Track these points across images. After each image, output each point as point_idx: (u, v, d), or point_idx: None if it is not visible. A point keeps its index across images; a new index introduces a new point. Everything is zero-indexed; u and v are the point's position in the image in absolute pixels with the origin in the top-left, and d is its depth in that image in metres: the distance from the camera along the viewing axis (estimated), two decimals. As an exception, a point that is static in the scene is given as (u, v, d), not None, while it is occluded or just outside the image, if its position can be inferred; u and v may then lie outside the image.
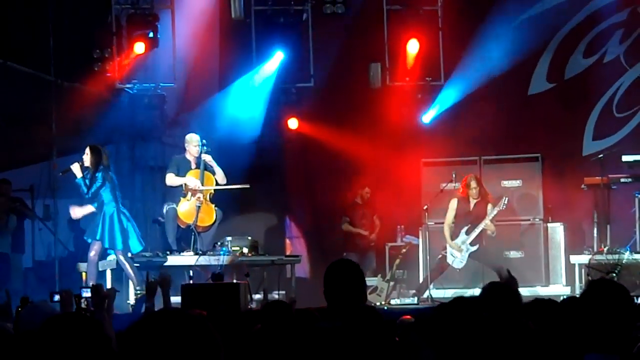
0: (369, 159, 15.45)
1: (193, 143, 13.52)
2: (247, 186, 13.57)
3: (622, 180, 13.96)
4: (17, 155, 15.67)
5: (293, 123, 15.93)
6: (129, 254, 12.57)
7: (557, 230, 14.35)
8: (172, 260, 13.13)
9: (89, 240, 12.57)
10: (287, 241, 15.79)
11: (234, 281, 12.42)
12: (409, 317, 6.73)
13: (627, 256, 13.21)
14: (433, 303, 12.73)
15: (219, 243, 13.37)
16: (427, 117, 15.81)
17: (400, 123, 15.87)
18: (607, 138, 16.00)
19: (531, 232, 14.42)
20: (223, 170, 13.52)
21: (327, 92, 15.91)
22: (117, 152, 15.79)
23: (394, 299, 13.93)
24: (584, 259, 13.56)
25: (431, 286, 13.75)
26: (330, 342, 4.61)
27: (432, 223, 14.14)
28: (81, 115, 14.46)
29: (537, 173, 14.63)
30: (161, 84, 15.43)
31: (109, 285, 12.76)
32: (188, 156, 13.52)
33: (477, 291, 11.90)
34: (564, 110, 15.98)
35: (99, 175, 12.39)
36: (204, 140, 13.52)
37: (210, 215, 13.35)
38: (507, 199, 13.67)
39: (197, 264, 13.03)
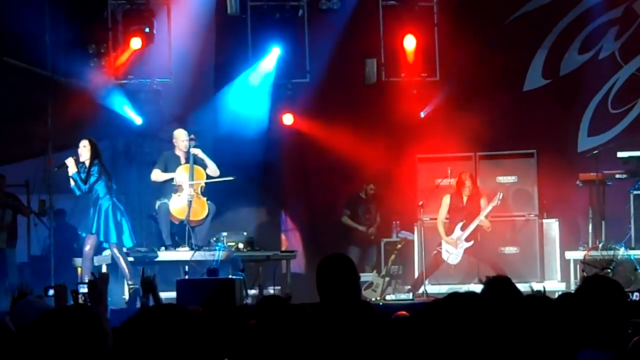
0: (365, 154, 15.44)
1: (181, 138, 13.53)
2: (232, 178, 13.52)
3: (617, 176, 13.98)
4: (12, 150, 15.66)
5: (288, 119, 15.92)
6: (123, 248, 12.57)
7: (552, 227, 14.37)
8: (168, 255, 13.14)
9: (83, 235, 12.57)
10: (283, 236, 15.79)
11: (229, 276, 12.42)
12: (404, 312, 6.73)
13: (621, 252, 13.24)
14: (428, 299, 12.75)
15: (214, 238, 13.38)
16: (423, 113, 15.80)
17: (395, 119, 15.88)
18: (602, 134, 16.01)
19: (526, 228, 14.44)
20: (218, 165, 13.53)
21: (322, 88, 15.90)
22: (113, 147, 15.78)
23: (390, 294, 13.94)
24: (579, 255, 13.60)
25: (426, 282, 13.78)
26: (322, 338, 4.61)
27: (428, 219, 14.15)
28: (77, 111, 14.45)
29: (532, 169, 14.65)
30: (157, 80, 15.44)
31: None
32: (177, 152, 13.53)
33: (472, 287, 11.97)
34: (559, 107, 16.00)
35: (94, 169, 12.38)
36: (192, 135, 13.51)
37: (202, 209, 13.34)
38: (501, 194, 13.74)
39: (193, 259, 13.04)
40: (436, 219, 13.94)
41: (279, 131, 16.03)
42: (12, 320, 6.01)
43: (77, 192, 12.55)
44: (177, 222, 13.36)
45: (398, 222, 15.00)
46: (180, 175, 13.35)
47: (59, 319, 3.60)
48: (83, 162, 12.43)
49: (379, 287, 14.07)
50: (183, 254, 13.10)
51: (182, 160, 13.45)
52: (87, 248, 12.47)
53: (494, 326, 3.39)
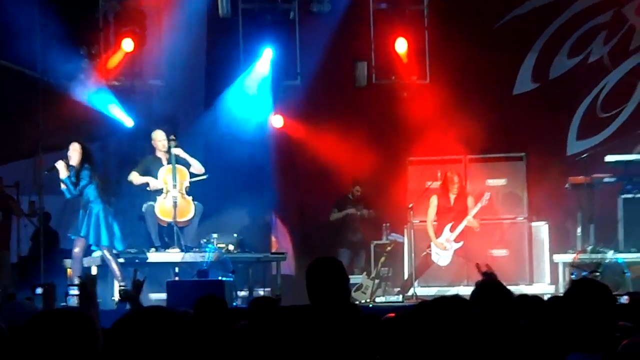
0: (355, 157, 15.45)
1: (158, 138, 13.49)
2: (205, 177, 13.48)
3: (606, 180, 14.00)
4: (1, 151, 15.63)
5: (278, 121, 15.93)
6: (114, 251, 12.55)
7: (541, 229, 14.40)
8: (158, 257, 13.12)
9: (72, 237, 12.54)
10: (273, 238, 15.78)
11: (219, 278, 12.41)
12: (393, 315, 6.73)
13: (610, 256, 13.25)
14: (417, 301, 12.76)
15: (204, 240, 13.36)
16: (413, 116, 15.79)
17: (386, 121, 15.90)
18: (591, 138, 16.06)
19: (515, 231, 14.47)
20: (210, 166, 13.52)
21: (313, 90, 15.91)
22: (104, 148, 15.76)
23: (379, 296, 13.95)
24: (568, 258, 13.61)
25: (416, 284, 13.79)
26: (311, 340, 4.60)
27: (417, 221, 14.15)
28: (67, 112, 14.43)
29: (522, 172, 14.68)
30: (149, 81, 15.42)
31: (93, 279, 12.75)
32: (158, 154, 13.50)
33: (461, 289, 11.98)
34: (549, 110, 16.02)
35: (85, 173, 12.35)
36: (172, 135, 13.46)
37: (187, 209, 13.32)
38: (488, 194, 13.81)
39: (183, 260, 13.02)
40: (426, 221, 13.97)
41: (270, 133, 16.02)
42: (2, 321, 6.00)
43: (68, 195, 12.52)
44: (164, 225, 13.34)
45: (388, 224, 15.01)
46: (164, 177, 13.31)
47: (51, 321, 3.58)
48: (73, 166, 12.39)
49: (368, 289, 14.07)
50: (173, 255, 13.08)
51: (164, 162, 13.40)
52: (76, 250, 12.44)
53: (485, 328, 3.39)
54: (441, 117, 15.44)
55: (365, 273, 14.41)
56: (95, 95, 14.96)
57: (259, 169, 15.62)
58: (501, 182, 14.66)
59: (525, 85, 16.36)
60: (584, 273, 12.61)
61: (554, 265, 13.94)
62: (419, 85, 15.75)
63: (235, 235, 13.92)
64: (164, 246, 13.27)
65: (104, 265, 12.71)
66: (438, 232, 13.87)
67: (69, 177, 12.33)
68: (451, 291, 12.17)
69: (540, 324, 4.73)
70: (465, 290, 10.11)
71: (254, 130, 15.79)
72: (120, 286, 12.35)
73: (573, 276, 12.79)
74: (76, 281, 11.98)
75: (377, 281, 14.24)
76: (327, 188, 15.70)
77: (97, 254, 12.83)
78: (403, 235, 14.49)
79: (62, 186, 12.44)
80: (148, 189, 13.39)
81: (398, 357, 4.44)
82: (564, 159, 15.63)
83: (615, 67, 16.23)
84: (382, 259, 14.42)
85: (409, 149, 15.27)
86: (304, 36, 15.70)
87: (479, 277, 7.76)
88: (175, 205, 13.19)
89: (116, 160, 15.67)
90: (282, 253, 14.43)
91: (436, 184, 14.14)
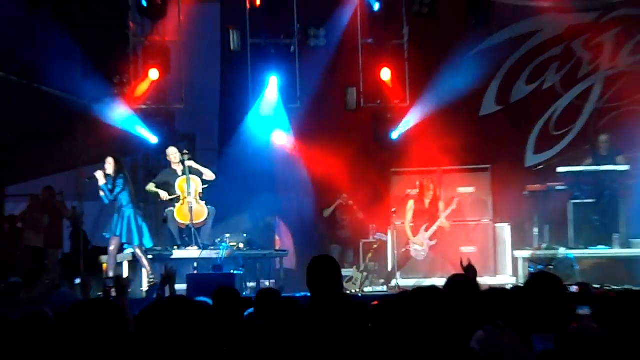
0: (347, 169, 15.44)
1: (170, 154, 13.48)
2: (214, 178, 13.44)
3: (558, 187, 13.98)
4: (49, 165, 15.65)
5: (280, 137, 15.93)
6: (143, 248, 12.54)
7: (504, 229, 14.36)
8: (180, 254, 13.12)
9: (107, 236, 12.52)
10: (277, 238, 15.75)
11: (231, 272, 12.40)
12: (377, 302, 6.71)
13: (561, 252, 13.25)
14: (399, 290, 12.74)
15: (218, 239, 13.37)
16: (395, 133, 15.81)
17: (372, 139, 15.89)
18: (546, 152, 16.06)
19: (482, 231, 14.43)
20: (225, 176, 13.53)
21: (311, 112, 15.90)
22: (133, 162, 15.75)
23: (367, 286, 13.92)
24: (527, 253, 13.59)
25: (398, 275, 13.78)
26: (308, 324, 4.60)
27: (399, 223, 14.15)
28: (103, 131, 14.44)
29: (487, 181, 14.65)
30: (171, 105, 15.43)
31: (125, 273, 12.76)
32: (173, 166, 13.48)
33: (435, 280, 11.97)
34: (510, 129, 16.03)
35: (119, 181, 12.36)
36: (185, 150, 13.45)
37: (202, 212, 13.31)
38: (457, 200, 13.86)
39: (200, 257, 13.01)
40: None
41: (275, 149, 16.02)
42: (48, 308, 5.99)
43: (105, 201, 12.53)
44: (184, 227, 13.33)
45: (374, 225, 14.97)
46: (180, 186, 13.29)
47: (89, 309, 3.58)
48: (110, 175, 12.41)
49: (358, 281, 14.04)
50: (192, 252, 13.07)
51: (179, 173, 13.39)
52: (111, 248, 12.44)
53: (456, 314, 3.38)
54: (419, 135, 15.44)
55: (355, 267, 14.38)
56: (126, 117, 14.96)
57: (264, 178, 15.61)
58: (470, 189, 14.64)
59: (490, 108, 16.36)
60: (540, 267, 12.60)
61: (514, 260, 13.89)
62: (400, 108, 15.76)
63: (244, 235, 13.90)
64: (184, 244, 13.26)
65: (134, 261, 12.70)
66: (415, 232, 13.88)
67: (106, 184, 12.34)
68: (427, 282, 12.14)
69: (505, 310, 4.72)
70: (440, 281, 10.10)
71: (261, 146, 15.79)
72: (149, 279, 12.35)
73: (531, 269, 12.78)
74: (111, 274, 12.02)
75: (365, 274, 14.20)
76: (322, 195, 15.68)
77: (128, 251, 12.83)
78: (387, 235, 14.47)
79: (101, 193, 12.45)
80: (159, 199, 13.38)
81: (383, 338, 4.43)
82: (523, 170, 15.63)
83: (566, 93, 16.25)
84: (369, 254, 14.39)
85: (392, 162, 15.25)
86: (303, 66, 15.70)
87: (451, 271, 7.75)
88: (191, 210, 13.18)
89: (144, 172, 15.67)
90: (285, 250, 14.41)
91: (415, 192, 14.12)
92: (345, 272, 13.46)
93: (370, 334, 4.53)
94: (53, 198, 14.96)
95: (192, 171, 13.31)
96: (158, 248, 13.17)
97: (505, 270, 14.05)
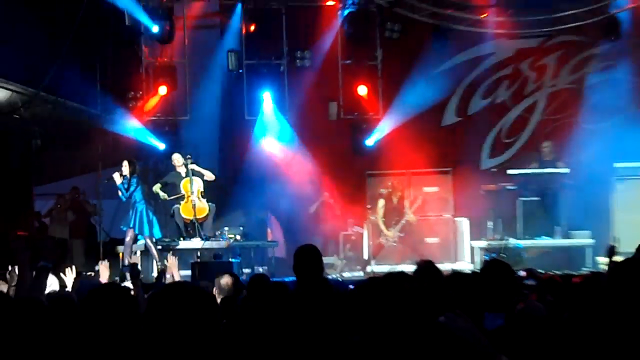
0: (329, 171, 15.45)
1: (175, 160, 13.42)
2: (213, 178, 13.39)
3: (509, 187, 14.03)
4: (73, 168, 15.61)
5: (272, 144, 15.92)
6: (154, 239, 12.50)
7: (463, 223, 14.41)
8: (185, 244, 13.08)
9: (124, 229, 12.49)
10: (268, 230, 15.73)
11: (229, 260, 12.37)
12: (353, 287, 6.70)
13: (511, 242, 13.30)
14: (374, 275, 12.74)
15: (218, 232, 13.34)
16: (370, 141, 15.83)
17: (351, 145, 15.90)
18: (498, 157, 16.12)
19: (444, 224, 14.47)
20: (221, 176, 13.51)
21: (298, 122, 15.90)
22: (144, 165, 15.71)
23: (346, 272, 13.93)
24: (482, 244, 13.64)
25: (373, 262, 13.79)
26: (295, 304, 4.60)
27: (373, 218, 14.16)
28: (118, 139, 14.42)
29: (449, 182, 14.70)
30: (178, 117, 15.42)
31: (138, 260, 12.70)
32: (178, 169, 13.42)
33: (405, 267, 11.99)
34: (468, 137, 16.06)
35: (133, 181, 12.33)
36: (188, 155, 13.40)
37: (204, 209, 13.25)
38: (421, 198, 13.90)
39: (203, 247, 12.99)
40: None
41: (267, 153, 16.00)
42: (75, 294, 5.98)
43: (123, 198, 12.50)
44: (188, 222, 13.29)
45: (352, 220, 15.00)
46: (184, 186, 13.23)
47: (104, 292, 3.57)
48: (126, 176, 12.37)
49: (338, 267, 14.06)
50: (195, 243, 13.04)
51: (183, 175, 13.33)
52: (127, 239, 12.40)
53: (423, 296, 3.39)
54: (391, 142, 15.47)
55: (335, 255, 14.40)
56: (138, 127, 14.93)
57: (257, 179, 15.59)
58: (434, 189, 14.67)
59: (450, 119, 16.40)
60: (494, 254, 12.65)
61: (472, 249, 13.95)
62: (374, 119, 15.79)
63: (241, 228, 13.88)
64: (189, 236, 13.22)
65: (146, 250, 12.66)
66: (387, 226, 13.89)
67: (122, 184, 12.31)
68: (398, 268, 12.16)
69: (463, 292, 4.73)
70: (409, 268, 10.12)
71: (255, 151, 15.80)
72: (158, 266, 12.31)
73: (486, 257, 12.83)
74: (127, 262, 11.97)
75: (344, 261, 14.23)
76: (308, 194, 15.65)
77: (141, 242, 12.78)
78: (363, 228, 14.49)
79: (119, 193, 12.43)
80: (159, 199, 13.32)
81: (360, 318, 4.44)
82: (479, 172, 15.65)
83: (514, 107, 16.32)
84: (348, 245, 14.42)
85: (368, 166, 15.27)
86: (291, 83, 15.71)
87: (417, 259, 7.75)
88: (194, 206, 13.14)
89: (153, 174, 15.61)
90: (275, 241, 14.40)
91: (387, 191, 14.14)
92: (327, 259, 13.45)
93: (348, 313, 4.53)
94: (78, 196, 14.94)
95: (194, 173, 13.28)
96: (166, 239, 13.13)
97: (463, 258, 14.10)
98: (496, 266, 4.59)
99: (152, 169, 15.79)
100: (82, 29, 12.77)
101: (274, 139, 15.91)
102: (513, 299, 4.59)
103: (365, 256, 14.18)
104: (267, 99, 15.61)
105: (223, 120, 15.90)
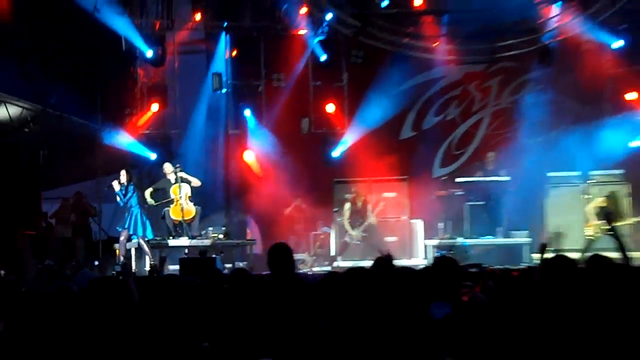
0: (301, 179, 15.44)
1: (166, 170, 13.36)
2: (200, 184, 13.34)
3: (457, 193, 14.13)
4: (76, 176, 15.48)
5: (250, 155, 15.95)
6: (146, 239, 12.44)
7: (418, 224, 14.42)
8: (174, 242, 13.03)
9: (119, 229, 12.43)
10: (248, 230, 15.71)
11: (213, 256, 12.33)
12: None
13: (459, 240, 13.39)
14: (340, 270, 12.73)
15: (203, 231, 13.31)
16: (337, 152, 15.88)
17: (320, 156, 15.92)
18: (449, 167, 16.21)
19: (401, 225, 14.49)
20: (204, 183, 13.48)
21: (274, 135, 15.90)
22: (139, 172, 15.61)
23: (315, 267, 13.93)
24: (434, 242, 13.71)
25: (339, 259, 13.80)
26: (270, 296, 4.61)
27: (340, 219, 14.16)
28: (115, 151, 14.33)
29: (406, 188, 14.70)
30: (168, 130, 15.37)
31: (133, 256, 12.63)
32: (168, 177, 13.36)
33: (367, 263, 12.01)
34: (422, 149, 16.12)
35: (130, 188, 12.29)
36: (177, 164, 13.35)
37: (191, 211, 13.20)
38: (383, 203, 13.94)
39: (190, 245, 12.94)
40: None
41: (246, 163, 15.98)
42: (74, 284, 5.94)
43: (121, 203, 12.46)
44: (177, 223, 13.24)
45: (322, 221, 15.01)
46: (174, 191, 13.17)
47: (101, 285, 3.57)
48: (123, 183, 12.31)
49: (308, 263, 14.06)
50: (183, 241, 12.99)
51: (173, 181, 13.27)
52: (122, 238, 12.35)
53: (379, 289, 3.42)
54: (354, 153, 15.51)
55: (306, 252, 14.40)
56: (133, 139, 14.86)
57: (238, 185, 15.57)
58: (392, 194, 14.68)
59: (407, 133, 16.48)
60: (444, 252, 12.72)
61: (425, 247, 14.00)
62: (341, 133, 15.84)
63: (223, 228, 13.85)
64: (178, 236, 13.17)
65: (139, 248, 12.59)
66: (352, 226, 13.90)
67: (120, 190, 12.26)
68: (362, 264, 12.19)
69: (416, 284, 4.78)
70: (370, 263, 10.16)
71: (235, 160, 15.78)
72: (150, 262, 12.24)
73: (437, 254, 12.90)
74: (121, 259, 11.90)
75: (314, 257, 14.23)
76: (283, 199, 15.63)
77: (135, 241, 12.70)
78: (331, 228, 14.51)
79: (117, 198, 12.38)
80: (146, 204, 13.24)
81: (324, 306, 4.47)
82: (431, 179, 15.73)
83: (463, 123, 16.44)
84: (317, 243, 14.43)
85: (335, 174, 15.28)
86: (269, 101, 15.73)
87: (378, 255, 7.77)
88: (182, 209, 13.10)
89: (147, 181, 15.52)
90: (254, 240, 14.40)
91: (351, 196, 14.17)
92: (298, 256, 13.50)
93: (315, 303, 4.56)
94: (81, 200, 14.78)
95: (183, 180, 13.25)
96: (157, 238, 13.06)
97: (418, 254, 14.14)
98: (445, 262, 4.64)
99: (146, 176, 15.70)
100: (85, 53, 12.73)
101: (253, 150, 15.91)
102: (459, 290, 4.65)
103: (333, 253, 14.20)
104: (247, 115, 15.65)
105: (208, 134, 15.86)
